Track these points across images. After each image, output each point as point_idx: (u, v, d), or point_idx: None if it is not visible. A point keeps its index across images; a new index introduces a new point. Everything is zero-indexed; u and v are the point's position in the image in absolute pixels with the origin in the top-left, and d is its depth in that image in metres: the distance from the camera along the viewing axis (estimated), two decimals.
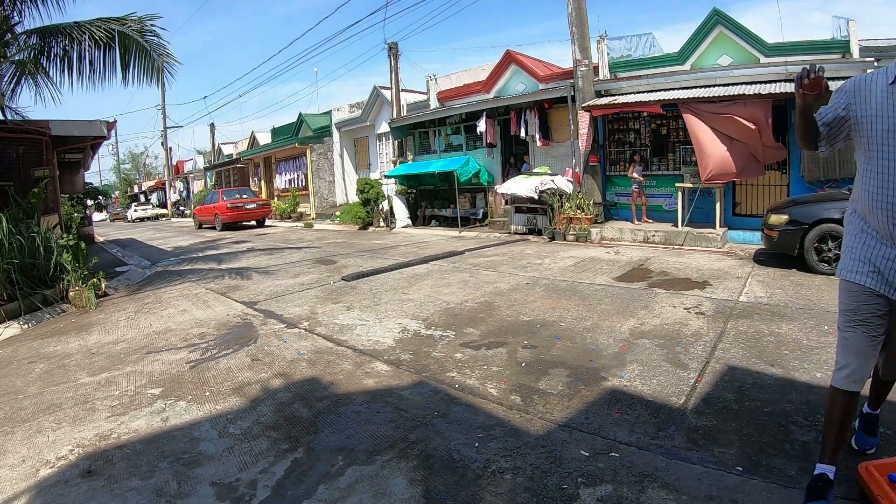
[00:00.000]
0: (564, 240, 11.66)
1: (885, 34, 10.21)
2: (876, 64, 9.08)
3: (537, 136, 13.87)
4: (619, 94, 11.97)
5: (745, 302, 5.90)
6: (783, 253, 7.73)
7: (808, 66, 2.25)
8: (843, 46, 9.88)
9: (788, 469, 2.65)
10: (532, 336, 5.01)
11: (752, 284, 6.74)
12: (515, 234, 13.22)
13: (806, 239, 7.28)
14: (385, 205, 17.44)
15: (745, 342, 4.54)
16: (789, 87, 9.25)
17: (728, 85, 10.23)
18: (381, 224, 17.47)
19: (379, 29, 35.21)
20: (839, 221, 7.03)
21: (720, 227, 10.22)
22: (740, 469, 2.66)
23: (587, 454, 2.88)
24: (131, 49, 8.77)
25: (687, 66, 11.55)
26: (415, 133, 18.51)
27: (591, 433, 3.11)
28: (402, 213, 17.19)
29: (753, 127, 9.51)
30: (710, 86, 10.46)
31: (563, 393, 3.69)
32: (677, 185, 10.75)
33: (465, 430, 3.21)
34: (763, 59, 10.53)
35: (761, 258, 8.48)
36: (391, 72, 19.02)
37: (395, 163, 19.41)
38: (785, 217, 7.55)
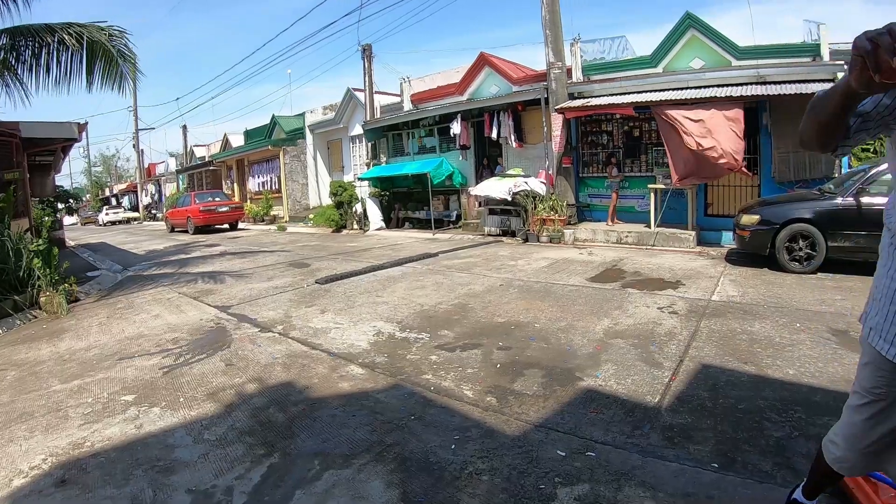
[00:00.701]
0: (538, 241, 11.72)
1: None
2: (846, 67, 9.22)
3: (511, 138, 13.92)
4: (592, 97, 12.06)
5: (718, 301, 6.00)
6: (755, 252, 7.88)
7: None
8: (813, 50, 10.08)
9: (763, 465, 2.69)
10: (507, 337, 5.02)
11: (725, 284, 6.85)
12: (489, 235, 13.26)
13: (777, 238, 7.43)
14: (358, 207, 17.35)
15: (719, 341, 4.61)
16: (760, 90, 9.43)
17: (700, 87, 10.36)
18: (355, 227, 17.38)
19: (353, 31, 35.32)
20: (809, 221, 7.19)
21: (692, 227, 10.36)
22: (716, 465, 2.70)
23: (564, 454, 2.89)
24: (98, 54, 8.61)
25: (659, 69, 11.69)
26: (388, 135, 18.43)
27: (567, 433, 3.13)
28: (375, 215, 17.10)
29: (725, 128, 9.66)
30: (682, 88, 10.60)
31: (539, 393, 3.71)
32: (650, 186, 10.89)
33: (442, 433, 3.20)
34: (734, 62, 10.71)
35: (733, 258, 8.63)
36: (365, 74, 18.96)
37: (368, 165, 19.33)
38: (756, 217, 7.70)
